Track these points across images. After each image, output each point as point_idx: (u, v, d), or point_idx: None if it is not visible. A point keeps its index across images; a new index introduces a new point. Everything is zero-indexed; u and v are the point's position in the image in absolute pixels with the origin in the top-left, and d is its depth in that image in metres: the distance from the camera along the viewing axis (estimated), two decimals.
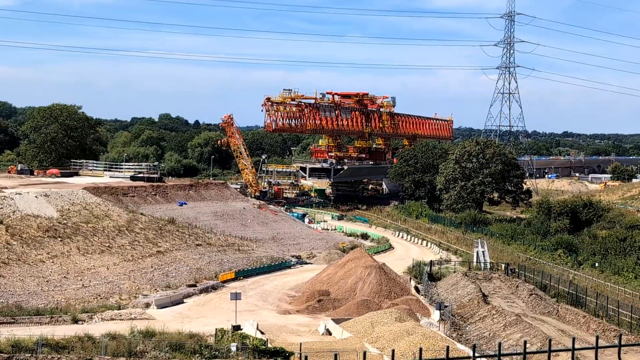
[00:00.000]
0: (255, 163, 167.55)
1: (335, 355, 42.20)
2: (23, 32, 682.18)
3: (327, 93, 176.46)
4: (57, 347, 45.35)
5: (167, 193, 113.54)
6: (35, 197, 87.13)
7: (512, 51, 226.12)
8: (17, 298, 62.37)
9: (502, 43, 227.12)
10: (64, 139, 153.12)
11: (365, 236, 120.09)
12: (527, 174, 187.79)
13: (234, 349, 46.23)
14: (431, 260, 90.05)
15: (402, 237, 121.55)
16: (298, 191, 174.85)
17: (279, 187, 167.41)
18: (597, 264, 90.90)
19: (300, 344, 48.50)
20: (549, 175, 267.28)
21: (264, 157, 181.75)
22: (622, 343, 49.37)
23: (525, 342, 45.02)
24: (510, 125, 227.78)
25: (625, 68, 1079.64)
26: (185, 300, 68.67)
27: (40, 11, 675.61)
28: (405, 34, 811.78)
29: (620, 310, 61.79)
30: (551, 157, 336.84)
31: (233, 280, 78.56)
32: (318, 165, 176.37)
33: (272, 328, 57.87)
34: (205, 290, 72.83)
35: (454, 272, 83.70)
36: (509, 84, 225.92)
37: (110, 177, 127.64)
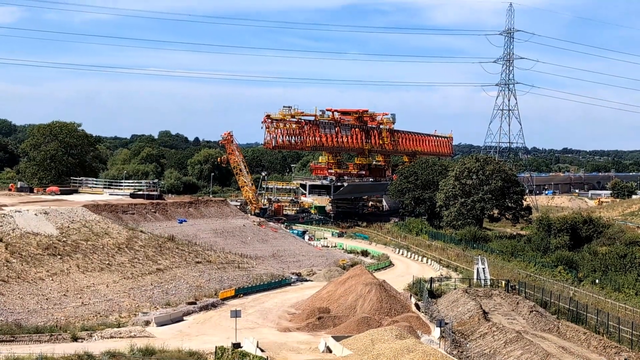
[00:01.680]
0: (255, 180, 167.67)
1: None
2: (23, 49, 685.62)
3: (327, 110, 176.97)
4: None
5: (166, 210, 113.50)
6: (35, 214, 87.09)
7: (511, 68, 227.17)
8: (16, 316, 62.20)
9: (501, 60, 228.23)
10: (64, 157, 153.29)
11: (365, 253, 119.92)
12: (527, 191, 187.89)
13: None
14: (431, 277, 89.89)
15: (402, 254, 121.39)
16: (298, 208, 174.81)
17: (279, 204, 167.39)
18: (597, 281, 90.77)
19: None
20: (546, 192, 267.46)
21: (263, 174, 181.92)
22: None
23: None
24: (509, 142, 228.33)
25: (624, 84, 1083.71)
26: (185, 317, 68.46)
27: (41, 28, 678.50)
28: (404, 50, 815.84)
29: (621, 327, 61.65)
30: (551, 174, 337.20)
31: (233, 297, 78.34)
32: (318, 182, 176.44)
33: (272, 345, 57.66)
34: (205, 307, 72.63)
35: (455, 289, 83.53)
36: (509, 100, 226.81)
37: (110, 194, 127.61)
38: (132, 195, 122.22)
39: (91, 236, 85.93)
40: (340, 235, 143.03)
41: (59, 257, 76.99)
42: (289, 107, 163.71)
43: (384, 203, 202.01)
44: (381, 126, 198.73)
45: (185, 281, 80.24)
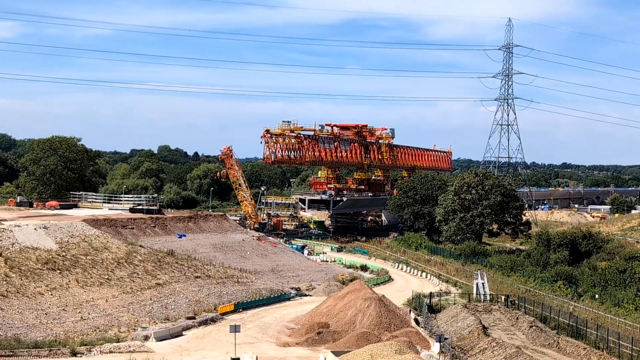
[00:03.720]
0: (255, 195, 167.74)
1: None
2: (23, 64, 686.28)
3: (326, 125, 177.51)
4: None
5: (166, 225, 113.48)
6: (34, 229, 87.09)
7: (510, 83, 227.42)
8: (15, 331, 62.11)
9: (500, 75, 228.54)
10: (63, 171, 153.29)
11: (364, 268, 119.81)
12: (526, 206, 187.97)
13: None
14: (431, 292, 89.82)
15: (401, 269, 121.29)
16: (297, 223, 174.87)
17: (278, 218, 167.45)
18: (597, 296, 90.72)
19: None
20: (543, 207, 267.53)
21: (263, 188, 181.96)
22: None
23: None
24: (509, 157, 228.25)
25: (624, 99, 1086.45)
26: (184, 332, 68.39)
27: (41, 44, 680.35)
28: (404, 65, 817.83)
29: (620, 342, 61.60)
30: (550, 189, 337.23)
31: (232, 312, 78.31)
32: (317, 197, 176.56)
33: None
34: (205, 322, 72.57)
35: (454, 304, 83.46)
36: (508, 115, 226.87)
37: (109, 209, 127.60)
38: (132, 210, 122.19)
39: (90, 251, 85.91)
40: (340, 249, 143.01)
41: (58, 271, 76.94)
42: (288, 122, 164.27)
43: (383, 218, 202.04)
44: (380, 141, 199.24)
45: (185, 296, 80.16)
